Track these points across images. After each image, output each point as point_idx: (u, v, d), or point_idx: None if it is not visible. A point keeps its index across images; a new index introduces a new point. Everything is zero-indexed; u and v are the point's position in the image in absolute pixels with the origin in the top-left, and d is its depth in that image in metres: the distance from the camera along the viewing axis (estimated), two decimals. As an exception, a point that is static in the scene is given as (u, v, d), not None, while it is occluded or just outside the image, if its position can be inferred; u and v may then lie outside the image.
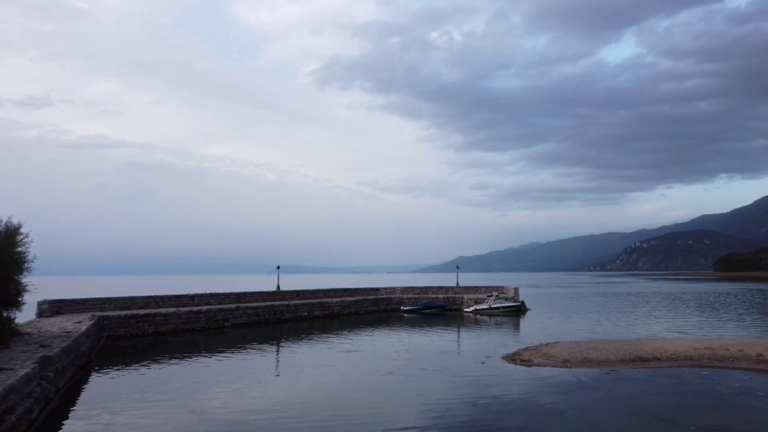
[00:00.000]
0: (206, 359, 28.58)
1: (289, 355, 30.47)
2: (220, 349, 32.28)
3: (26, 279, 23.99)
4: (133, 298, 41.12)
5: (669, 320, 48.42)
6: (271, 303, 46.49)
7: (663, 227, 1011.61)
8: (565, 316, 52.42)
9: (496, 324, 47.62)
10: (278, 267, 52.23)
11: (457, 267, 66.07)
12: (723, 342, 28.51)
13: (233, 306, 43.12)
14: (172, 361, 27.97)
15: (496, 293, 56.46)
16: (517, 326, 45.99)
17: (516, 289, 57.50)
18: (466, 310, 55.92)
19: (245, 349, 32.78)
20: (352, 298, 54.47)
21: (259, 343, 35.45)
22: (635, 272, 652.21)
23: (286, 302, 47.86)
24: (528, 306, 58.82)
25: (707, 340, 30.08)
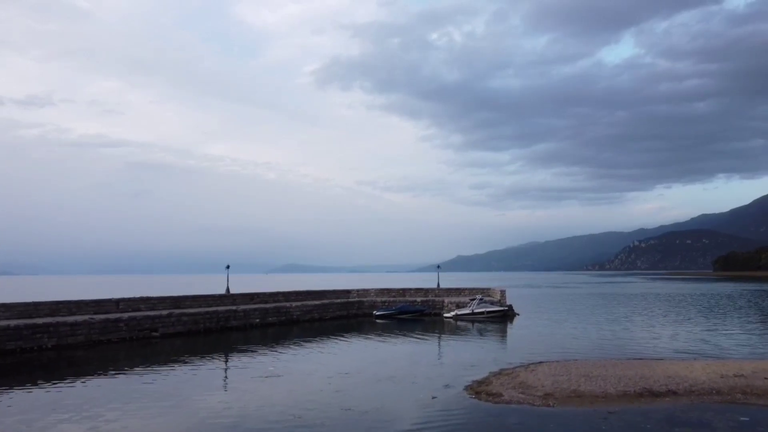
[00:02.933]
0: (102, 380, 23.09)
1: (183, 378, 23.91)
2: (135, 365, 26.60)
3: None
4: (37, 304, 34.36)
5: (675, 326, 41.90)
6: (214, 309, 39.82)
7: (662, 227, 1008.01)
8: (557, 323, 45.96)
9: (478, 332, 41.28)
10: (228, 267, 45.70)
11: (438, 267, 59.08)
12: (756, 365, 21.87)
13: (164, 313, 36.46)
14: (65, 382, 22.66)
15: (480, 296, 49.98)
16: (500, 335, 39.55)
17: (503, 292, 50.98)
18: (446, 315, 49.46)
19: (168, 365, 26.95)
20: (316, 302, 47.85)
21: (185, 357, 29.41)
22: (634, 272, 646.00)
23: (233, 307, 41.21)
24: (517, 310, 52.34)
25: (734, 363, 23.42)
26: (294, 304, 45.97)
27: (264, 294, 47.28)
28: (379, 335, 39.97)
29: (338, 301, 50.35)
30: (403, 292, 55.78)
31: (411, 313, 50.86)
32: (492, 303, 50.34)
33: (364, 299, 53.34)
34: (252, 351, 32.14)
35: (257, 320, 41.81)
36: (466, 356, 29.49)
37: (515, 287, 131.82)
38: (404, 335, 39.72)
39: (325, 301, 48.97)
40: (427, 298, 53.48)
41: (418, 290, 56.24)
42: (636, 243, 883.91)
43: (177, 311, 37.54)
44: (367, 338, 38.64)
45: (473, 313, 48.31)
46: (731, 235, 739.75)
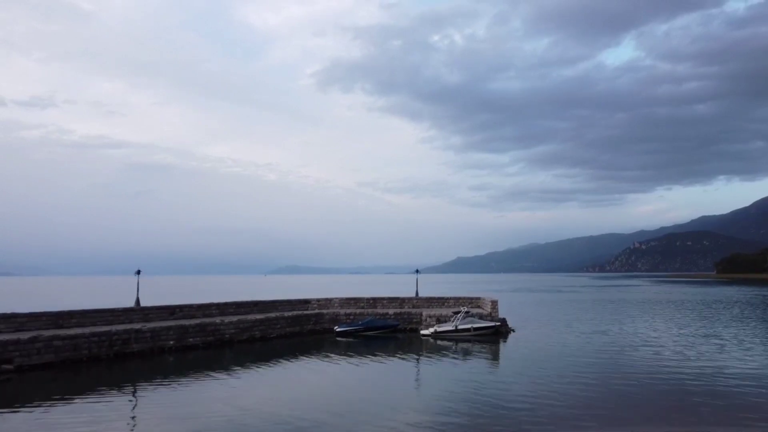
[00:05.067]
0: None
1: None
2: None
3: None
4: None
5: (709, 348, 31.87)
6: (107, 329, 29.90)
7: (662, 228, 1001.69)
8: (560, 341, 36.17)
9: (458, 357, 31.80)
10: (138, 272, 35.87)
11: (417, 271, 48.93)
12: None
13: (26, 336, 26.49)
14: None
15: (466, 308, 40.18)
16: (485, 364, 29.78)
17: (494, 303, 41.16)
18: (423, 332, 39.63)
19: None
20: (259, 317, 37.92)
21: (38, 402, 20.20)
22: (634, 273, 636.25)
23: (135, 326, 31.30)
24: (512, 323, 42.54)
25: None
26: (228, 319, 36.02)
27: (190, 307, 37.21)
28: (329, 360, 30.79)
29: (289, 314, 40.35)
30: (374, 302, 45.90)
31: (380, 329, 41.08)
32: (481, 317, 40.57)
33: (325, 311, 43.34)
34: (151, 387, 23.43)
35: (171, 342, 31.91)
36: (438, 391, 20.05)
37: (514, 292, 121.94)
38: (359, 361, 30.45)
39: (272, 315, 38.99)
40: (402, 310, 43.59)
41: (392, 300, 46.36)
42: (636, 245, 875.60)
43: (47, 333, 27.55)
44: (320, 362, 30.48)
45: (457, 330, 38.57)
46: (732, 236, 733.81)
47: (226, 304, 40.07)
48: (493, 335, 38.76)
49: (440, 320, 40.37)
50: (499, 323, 39.81)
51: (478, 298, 46.25)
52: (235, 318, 36.51)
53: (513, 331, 40.87)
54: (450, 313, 40.18)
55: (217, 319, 35.44)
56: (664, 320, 51.10)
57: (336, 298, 46.55)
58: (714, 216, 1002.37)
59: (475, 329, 38.63)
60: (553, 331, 41.78)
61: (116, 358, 29.39)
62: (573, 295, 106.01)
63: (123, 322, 33.19)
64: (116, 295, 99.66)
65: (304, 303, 45.85)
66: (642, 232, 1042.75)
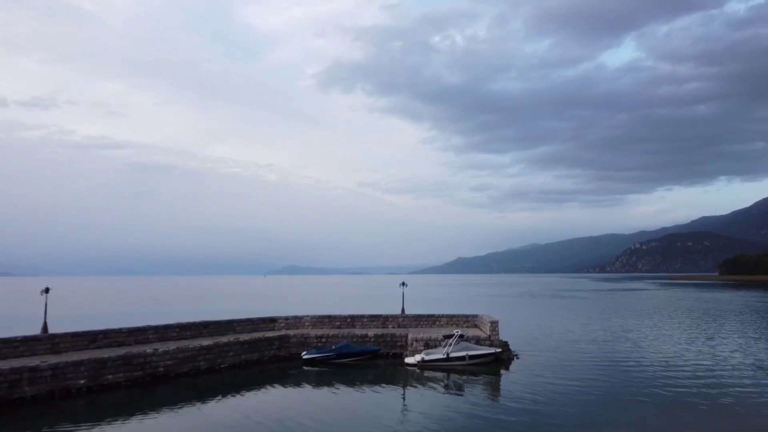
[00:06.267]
0: None
1: None
2: None
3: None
4: None
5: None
6: (-12, 367, 22.79)
7: (662, 229, 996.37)
8: (574, 372, 29.21)
9: (450, 394, 25.15)
10: (46, 290, 28.65)
11: (403, 284, 40.97)
12: None
13: None
14: None
15: (460, 332, 33.13)
16: (482, 405, 22.86)
17: (494, 324, 34.08)
18: (408, 361, 32.53)
19: None
20: (206, 343, 30.79)
21: None
22: (635, 274, 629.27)
23: (33, 362, 24.21)
24: (514, 348, 35.52)
25: None
26: (166, 347, 28.90)
27: (118, 332, 29.68)
28: (297, 395, 24.84)
29: (246, 338, 33.19)
30: (352, 321, 38.77)
31: (357, 356, 33.98)
32: (478, 341, 33.50)
33: (292, 332, 36.20)
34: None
35: (82, 381, 24.84)
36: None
37: (515, 298, 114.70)
38: (337, 394, 25.64)
39: (223, 340, 31.83)
40: (385, 331, 36.46)
41: (373, 318, 39.17)
42: (637, 245, 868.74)
43: None
44: (280, 398, 25.38)
45: (449, 359, 31.51)
46: (732, 237, 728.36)
47: (167, 327, 32.69)
48: (492, 364, 31.82)
49: (429, 345, 33.32)
50: (500, 350, 32.78)
51: (475, 316, 39.18)
52: (173, 346, 29.34)
53: (516, 357, 33.90)
54: (441, 337, 33.12)
55: (149, 348, 28.25)
56: (690, 334, 43.92)
57: (307, 317, 39.38)
58: (714, 216, 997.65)
59: (471, 357, 31.64)
60: (564, 357, 34.74)
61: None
62: (580, 302, 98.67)
63: (23, 355, 26.10)
64: (114, 294, 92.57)
65: (270, 322, 38.67)
66: (642, 233, 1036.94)
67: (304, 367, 32.87)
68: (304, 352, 33.88)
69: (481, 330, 35.89)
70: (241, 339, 32.57)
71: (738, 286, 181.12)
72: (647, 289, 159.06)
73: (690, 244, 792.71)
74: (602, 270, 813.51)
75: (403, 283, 43.20)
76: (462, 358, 31.46)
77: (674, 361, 33.41)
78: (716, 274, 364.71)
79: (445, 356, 31.43)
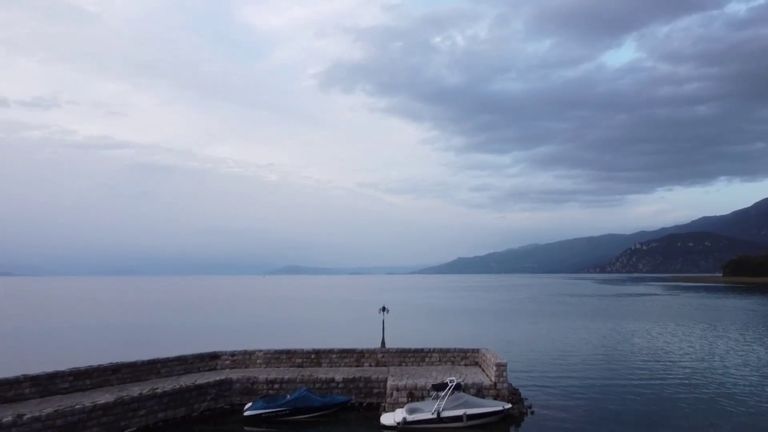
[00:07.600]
0: None
1: None
2: None
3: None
4: None
5: None
6: None
7: (663, 229, 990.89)
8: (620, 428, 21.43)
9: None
10: None
11: (384, 308, 33.21)
12: None
13: None
14: None
15: (455, 379, 25.60)
16: None
17: (500, 368, 26.32)
18: (385, 422, 24.88)
19: None
20: (102, 401, 22.92)
21: None
22: (636, 275, 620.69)
23: None
24: (528, 398, 27.55)
25: None
26: (41, 410, 21.31)
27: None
28: None
29: (167, 388, 25.71)
30: (317, 357, 31.06)
31: (318, 411, 26.36)
32: (480, 390, 25.82)
33: (236, 375, 28.70)
34: None
35: None
36: None
37: (514, 300, 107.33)
38: None
39: (130, 395, 24.28)
40: (358, 374, 28.82)
41: (344, 354, 31.32)
42: (637, 245, 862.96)
43: None
44: None
45: (440, 419, 23.85)
46: (733, 237, 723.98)
47: (54, 375, 25.05)
48: (499, 423, 24.05)
49: (414, 395, 25.74)
50: (509, 405, 25.01)
51: (476, 351, 31.46)
52: (52, 408, 21.68)
53: (531, 412, 25.89)
54: (429, 386, 25.59)
55: (11, 416, 20.46)
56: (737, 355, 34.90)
57: (260, 351, 31.71)
58: (715, 217, 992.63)
59: (471, 417, 23.96)
60: (597, 408, 26.49)
61: None
62: (592, 313, 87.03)
63: None
64: (114, 295, 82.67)
65: (210, 359, 31.07)
66: (643, 233, 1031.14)
67: (245, 428, 25.28)
68: (247, 406, 26.38)
69: (483, 371, 28.40)
70: (158, 390, 25.09)
71: (747, 290, 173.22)
72: (656, 294, 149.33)
73: (690, 244, 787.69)
74: (602, 270, 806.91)
75: (384, 308, 35.52)
76: (458, 418, 23.85)
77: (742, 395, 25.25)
78: (719, 275, 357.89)
79: (435, 415, 23.89)
